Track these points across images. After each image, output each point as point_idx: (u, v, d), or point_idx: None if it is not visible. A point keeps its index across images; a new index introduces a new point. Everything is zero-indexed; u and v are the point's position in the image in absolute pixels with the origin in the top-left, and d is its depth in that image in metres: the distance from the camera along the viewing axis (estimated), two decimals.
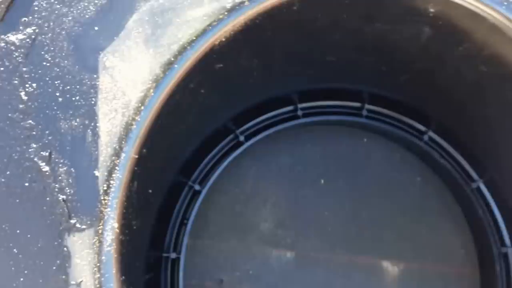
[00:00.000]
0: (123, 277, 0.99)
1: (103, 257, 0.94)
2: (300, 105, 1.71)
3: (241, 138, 1.68)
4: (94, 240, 0.96)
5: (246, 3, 0.99)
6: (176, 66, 0.95)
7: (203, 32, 0.96)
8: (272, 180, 1.81)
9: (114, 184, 0.95)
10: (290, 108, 1.74)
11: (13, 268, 0.95)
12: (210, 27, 0.96)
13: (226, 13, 0.97)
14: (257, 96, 1.61)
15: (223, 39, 0.98)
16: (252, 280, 1.73)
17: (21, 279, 0.95)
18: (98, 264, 0.94)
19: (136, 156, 0.97)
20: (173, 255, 1.52)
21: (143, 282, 1.19)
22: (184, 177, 1.63)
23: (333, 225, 1.82)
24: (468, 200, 1.76)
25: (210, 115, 1.50)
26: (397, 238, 1.84)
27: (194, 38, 0.96)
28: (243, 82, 1.39)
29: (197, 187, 1.62)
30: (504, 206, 1.67)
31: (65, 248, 0.95)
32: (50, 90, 0.94)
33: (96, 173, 0.96)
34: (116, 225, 0.95)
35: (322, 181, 1.85)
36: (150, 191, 1.15)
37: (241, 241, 1.75)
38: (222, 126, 1.65)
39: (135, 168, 0.98)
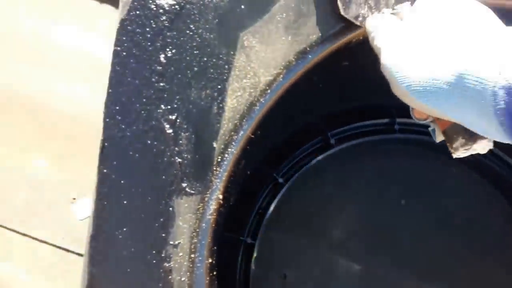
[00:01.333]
0: (215, 247, 1.02)
1: (203, 224, 0.98)
2: (398, 120, 1.68)
3: (332, 140, 1.68)
4: (199, 206, 1.00)
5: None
6: (310, 56, 0.96)
7: (344, 27, 0.97)
8: (353, 189, 1.80)
9: (227, 158, 0.98)
10: (386, 120, 1.72)
11: (119, 217, 1.00)
12: None
13: None
14: (359, 101, 1.60)
15: (361, 37, 0.98)
16: (316, 283, 1.73)
17: (124, 229, 1.00)
18: (197, 230, 0.98)
19: (252, 136, 0.99)
20: (248, 240, 1.55)
21: (221, 258, 1.21)
22: (269, 167, 1.65)
23: (405, 247, 1.78)
24: None
25: (310, 110, 1.51)
26: (469, 275, 1.77)
27: (334, 31, 0.97)
28: (355, 84, 1.39)
29: (280, 180, 1.64)
30: None
31: (170, 208, 0.99)
32: (188, 58, 0.98)
33: (214, 144, 0.99)
34: (221, 196, 0.98)
35: (403, 201, 1.81)
36: (249, 172, 1.18)
37: (310, 242, 1.75)
38: (315, 123, 1.66)
39: (247, 147, 1.01)
